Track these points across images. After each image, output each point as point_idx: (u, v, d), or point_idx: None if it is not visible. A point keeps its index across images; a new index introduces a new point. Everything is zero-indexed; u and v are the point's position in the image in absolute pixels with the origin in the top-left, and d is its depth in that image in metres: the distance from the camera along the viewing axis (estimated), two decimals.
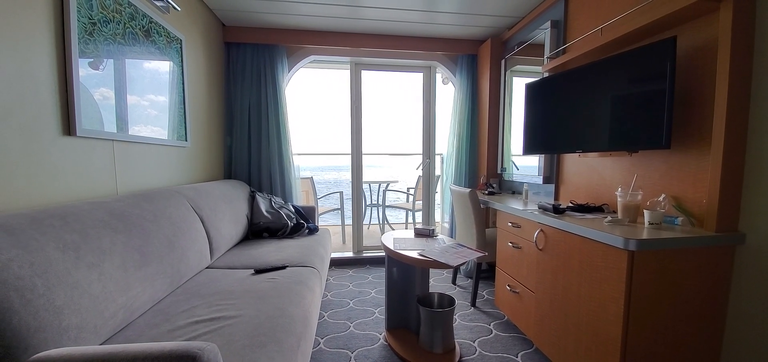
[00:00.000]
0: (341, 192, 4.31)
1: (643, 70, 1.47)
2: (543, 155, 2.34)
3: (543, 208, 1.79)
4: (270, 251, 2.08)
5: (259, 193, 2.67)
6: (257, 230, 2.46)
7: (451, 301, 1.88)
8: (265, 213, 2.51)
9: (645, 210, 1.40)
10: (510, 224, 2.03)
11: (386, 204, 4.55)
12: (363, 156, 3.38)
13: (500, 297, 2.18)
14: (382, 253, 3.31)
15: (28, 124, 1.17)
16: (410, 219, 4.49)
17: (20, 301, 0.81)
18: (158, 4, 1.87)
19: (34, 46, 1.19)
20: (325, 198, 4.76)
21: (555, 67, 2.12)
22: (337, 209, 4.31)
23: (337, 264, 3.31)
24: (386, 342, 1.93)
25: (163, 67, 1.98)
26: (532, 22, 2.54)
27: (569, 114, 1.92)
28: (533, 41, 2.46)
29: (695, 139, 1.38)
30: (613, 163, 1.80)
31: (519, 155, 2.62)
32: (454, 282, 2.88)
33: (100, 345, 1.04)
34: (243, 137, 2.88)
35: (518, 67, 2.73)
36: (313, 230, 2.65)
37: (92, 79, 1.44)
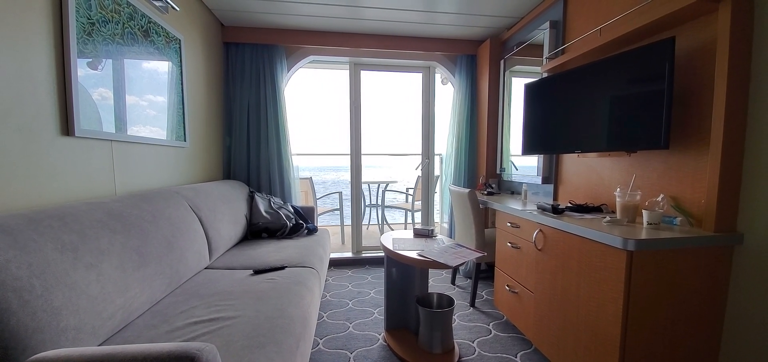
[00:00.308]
0: (340, 193, 4.31)
1: (641, 70, 1.47)
2: (542, 155, 2.34)
3: (542, 208, 1.79)
4: (269, 251, 2.08)
5: (258, 194, 2.66)
6: (256, 230, 2.46)
7: (450, 301, 1.88)
8: (264, 213, 2.51)
9: (644, 211, 1.40)
10: (509, 224, 2.03)
11: (385, 204, 4.55)
12: (362, 156, 3.38)
13: (499, 298, 2.18)
14: (381, 254, 3.31)
15: (27, 125, 1.17)
16: (409, 220, 4.48)
17: (18, 302, 0.81)
18: (157, 4, 1.87)
19: (33, 46, 1.19)
20: (324, 199, 4.76)
21: (554, 68, 2.12)
22: (336, 209, 4.30)
23: (336, 264, 3.31)
24: (385, 342, 1.93)
25: (161, 67, 1.98)
26: (531, 23, 2.54)
27: (568, 114, 1.92)
28: (532, 41, 2.46)
29: (694, 139, 1.38)
30: (612, 163, 1.80)
31: (518, 155, 2.62)
32: (453, 282, 2.88)
33: (99, 346, 1.03)
34: (242, 137, 2.88)
35: (517, 68, 2.74)
36: (312, 230, 2.65)
37: (91, 79, 1.43)
